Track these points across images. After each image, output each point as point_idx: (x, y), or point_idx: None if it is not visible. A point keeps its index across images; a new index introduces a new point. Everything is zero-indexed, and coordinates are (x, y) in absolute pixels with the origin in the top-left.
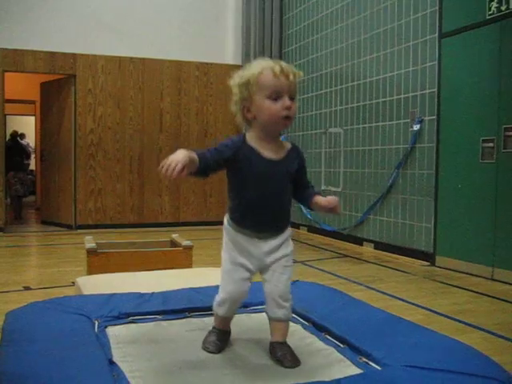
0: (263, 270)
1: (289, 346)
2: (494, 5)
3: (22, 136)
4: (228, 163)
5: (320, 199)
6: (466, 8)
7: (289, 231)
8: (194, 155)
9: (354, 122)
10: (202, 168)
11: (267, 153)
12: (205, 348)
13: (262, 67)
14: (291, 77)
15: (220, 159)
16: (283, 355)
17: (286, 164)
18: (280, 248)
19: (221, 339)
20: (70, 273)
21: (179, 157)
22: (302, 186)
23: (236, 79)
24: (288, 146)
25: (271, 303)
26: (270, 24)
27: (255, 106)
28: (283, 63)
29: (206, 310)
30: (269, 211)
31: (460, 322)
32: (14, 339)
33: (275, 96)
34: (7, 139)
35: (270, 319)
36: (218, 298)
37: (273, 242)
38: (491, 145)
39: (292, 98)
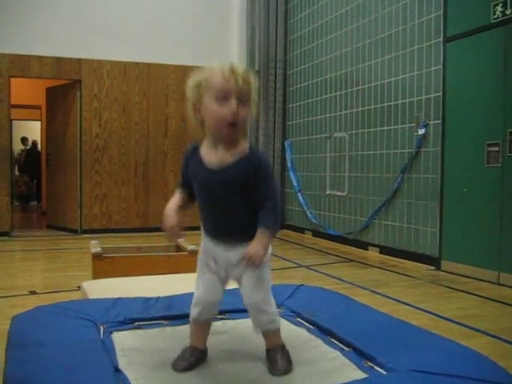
0: (237, 279)
1: (281, 352)
2: (499, 9)
3: (36, 143)
4: (184, 175)
5: (247, 250)
6: (470, 12)
7: None
8: (177, 194)
9: (358, 127)
10: (187, 193)
11: (211, 161)
12: (174, 366)
13: (213, 69)
14: (240, 81)
15: (184, 174)
16: (272, 362)
17: (231, 172)
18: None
19: (193, 356)
20: (75, 277)
21: (166, 222)
22: (256, 200)
23: (189, 82)
24: (245, 151)
25: (250, 315)
26: (275, 29)
27: (204, 108)
28: (238, 67)
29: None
30: (218, 221)
31: (466, 326)
32: (20, 343)
33: (222, 97)
34: (29, 147)
35: None
36: (193, 299)
37: (239, 252)
38: (496, 149)
39: (244, 104)
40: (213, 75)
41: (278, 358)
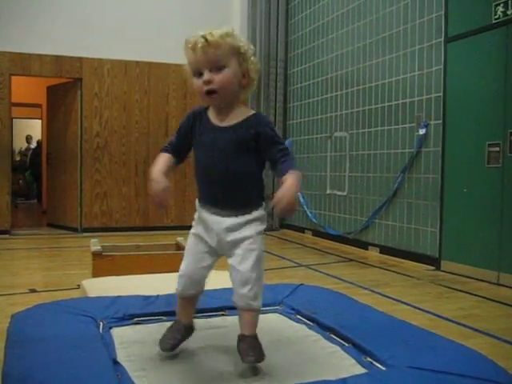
0: (227, 253)
1: (254, 340)
2: (500, 9)
3: (40, 142)
4: (188, 134)
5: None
6: (471, 12)
7: (257, 213)
8: (167, 158)
9: (359, 127)
10: (177, 157)
11: (216, 120)
12: (161, 345)
13: (186, 44)
14: (207, 49)
15: (182, 134)
16: (244, 349)
17: (236, 131)
18: (242, 228)
19: (180, 333)
20: (75, 275)
21: (156, 185)
22: (271, 159)
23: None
24: (249, 113)
25: (234, 289)
26: (276, 28)
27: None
28: (207, 34)
29: (210, 311)
30: (217, 184)
31: (465, 326)
32: (19, 341)
33: (196, 71)
34: (35, 146)
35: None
36: (179, 271)
37: (233, 220)
38: (497, 149)
39: (218, 69)
40: (185, 50)
41: (249, 344)
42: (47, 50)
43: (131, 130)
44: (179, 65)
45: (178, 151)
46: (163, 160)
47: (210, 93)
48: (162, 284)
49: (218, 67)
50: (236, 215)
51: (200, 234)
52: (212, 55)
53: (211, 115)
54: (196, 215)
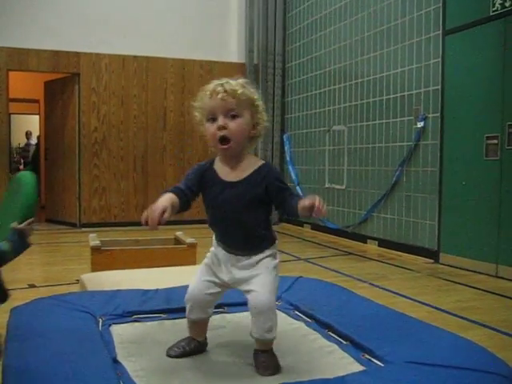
0: (241, 287)
1: (270, 355)
2: (498, 1)
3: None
4: (198, 187)
5: (304, 201)
6: (469, 5)
7: (269, 251)
8: (173, 196)
9: (357, 120)
10: (183, 201)
11: (225, 175)
12: (168, 352)
13: (203, 90)
14: (224, 96)
15: (192, 185)
16: (260, 364)
17: (246, 186)
18: (255, 266)
19: (189, 346)
20: (74, 270)
21: (158, 205)
22: (281, 202)
23: (195, 103)
24: (257, 165)
25: (253, 319)
26: (274, 22)
27: (204, 129)
28: (225, 82)
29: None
30: (231, 234)
31: (464, 319)
32: (19, 335)
33: (211, 117)
34: (35, 142)
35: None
36: (186, 293)
37: (247, 260)
38: (495, 141)
39: (233, 117)
40: (201, 97)
41: (267, 360)
42: (45, 45)
43: (129, 124)
44: (177, 59)
45: (184, 195)
46: (168, 196)
47: (223, 140)
48: (161, 278)
49: (232, 115)
50: (250, 255)
51: (212, 268)
52: (229, 103)
53: (218, 168)
54: (212, 249)
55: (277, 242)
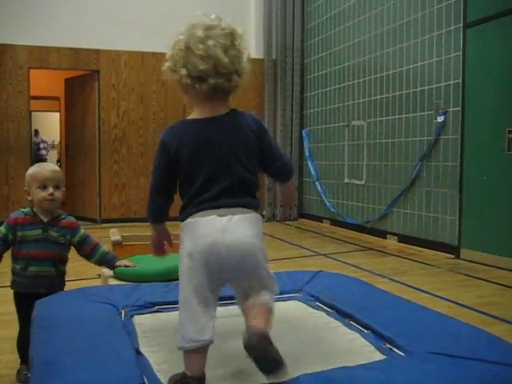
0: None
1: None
2: None
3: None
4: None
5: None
6: None
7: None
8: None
9: (377, 115)
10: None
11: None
12: None
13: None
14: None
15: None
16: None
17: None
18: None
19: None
20: (95, 266)
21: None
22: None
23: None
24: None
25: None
26: (292, 17)
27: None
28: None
29: (230, 299)
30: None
31: (485, 314)
32: (44, 326)
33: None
34: (39, 140)
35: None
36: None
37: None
38: None
39: None
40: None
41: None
42: (65, 42)
43: (149, 120)
44: None
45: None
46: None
47: None
48: None
49: None
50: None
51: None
52: None
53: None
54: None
55: None
